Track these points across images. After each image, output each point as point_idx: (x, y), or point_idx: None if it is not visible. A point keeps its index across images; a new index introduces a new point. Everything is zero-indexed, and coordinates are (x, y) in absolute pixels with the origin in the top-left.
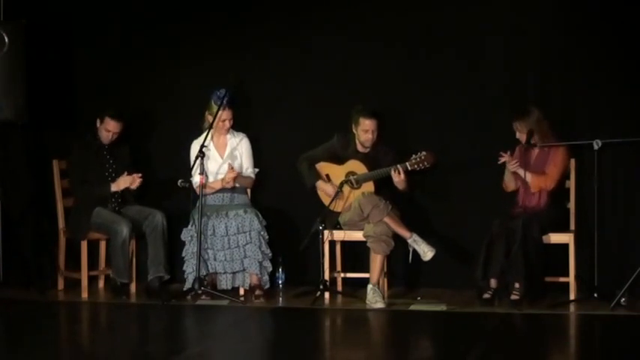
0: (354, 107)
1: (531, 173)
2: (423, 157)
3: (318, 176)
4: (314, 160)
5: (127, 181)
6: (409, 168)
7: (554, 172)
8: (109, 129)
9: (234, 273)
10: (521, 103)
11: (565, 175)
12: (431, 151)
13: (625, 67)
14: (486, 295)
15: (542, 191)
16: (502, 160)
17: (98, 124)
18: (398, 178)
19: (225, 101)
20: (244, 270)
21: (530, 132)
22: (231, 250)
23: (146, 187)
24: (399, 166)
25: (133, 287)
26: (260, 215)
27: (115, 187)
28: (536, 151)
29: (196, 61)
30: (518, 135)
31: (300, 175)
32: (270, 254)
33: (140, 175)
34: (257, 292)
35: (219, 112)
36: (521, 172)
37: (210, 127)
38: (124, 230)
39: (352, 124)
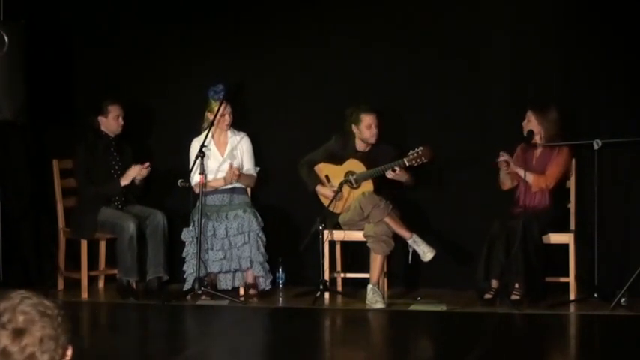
0: (346, 110)
1: (531, 173)
2: (420, 153)
3: (317, 180)
4: (313, 163)
5: (135, 170)
6: (407, 164)
7: (555, 171)
8: (117, 114)
9: (234, 272)
10: (543, 97)
11: (566, 175)
12: (428, 146)
13: (625, 66)
14: (488, 296)
15: (542, 191)
16: (501, 159)
17: (103, 120)
18: (395, 176)
19: (223, 95)
20: (240, 269)
21: (529, 132)
22: (231, 251)
23: (146, 187)
24: (394, 165)
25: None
26: (259, 216)
27: (124, 181)
28: (538, 151)
29: (197, 61)
30: (524, 124)
31: (301, 180)
32: (266, 256)
33: (148, 164)
34: (251, 291)
35: (219, 107)
36: (520, 172)
37: (211, 124)
38: (131, 226)
39: (351, 124)
